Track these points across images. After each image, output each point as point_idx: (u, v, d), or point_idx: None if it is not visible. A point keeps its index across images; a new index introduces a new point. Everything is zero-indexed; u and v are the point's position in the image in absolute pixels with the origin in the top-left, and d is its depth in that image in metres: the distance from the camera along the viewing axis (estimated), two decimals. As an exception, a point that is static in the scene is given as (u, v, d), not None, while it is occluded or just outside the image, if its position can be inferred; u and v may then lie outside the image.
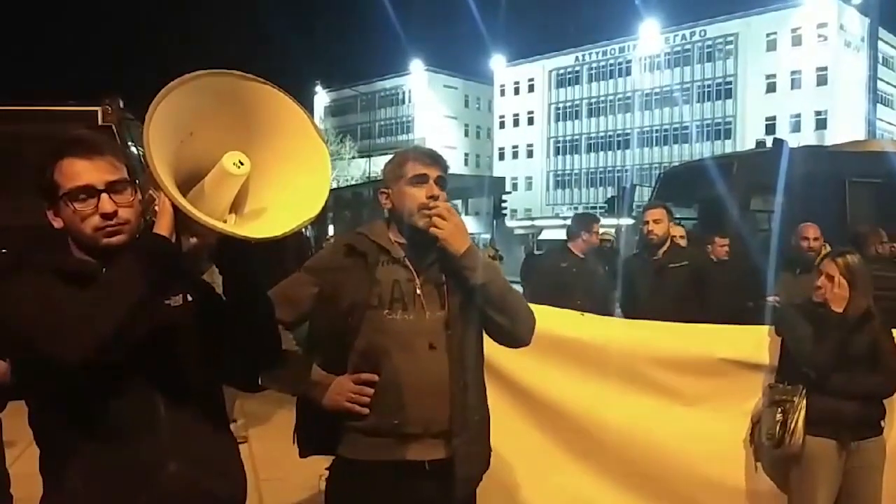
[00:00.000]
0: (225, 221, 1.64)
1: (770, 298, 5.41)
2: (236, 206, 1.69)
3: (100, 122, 7.44)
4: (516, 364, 3.36)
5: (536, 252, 23.71)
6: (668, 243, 5.27)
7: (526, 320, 2.39)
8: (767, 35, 54.05)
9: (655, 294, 5.06)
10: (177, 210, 1.53)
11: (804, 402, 3.31)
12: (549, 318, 3.38)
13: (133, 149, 6.95)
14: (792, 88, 52.94)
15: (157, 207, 1.61)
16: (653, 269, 5.23)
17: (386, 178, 2.42)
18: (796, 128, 50.19)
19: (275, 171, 1.69)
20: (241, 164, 1.61)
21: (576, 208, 47.02)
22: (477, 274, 2.27)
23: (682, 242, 5.76)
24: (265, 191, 1.69)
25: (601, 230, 7.01)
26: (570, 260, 5.82)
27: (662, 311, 4.29)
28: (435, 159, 2.36)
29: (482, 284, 2.28)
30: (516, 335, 2.40)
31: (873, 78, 24.88)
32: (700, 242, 6.68)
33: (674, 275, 5.12)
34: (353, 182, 42.53)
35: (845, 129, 41.49)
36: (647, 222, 5.27)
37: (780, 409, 3.33)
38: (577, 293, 5.15)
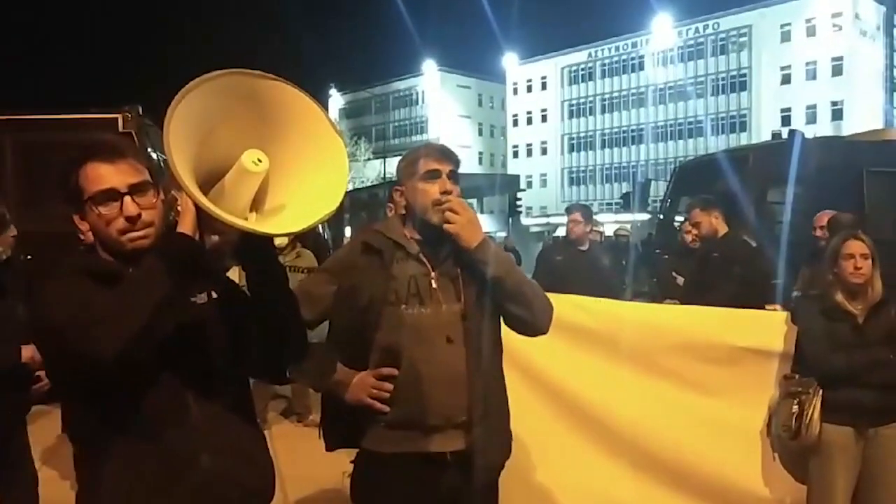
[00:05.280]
0: (245, 219, 1.66)
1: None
2: (256, 204, 1.71)
3: (120, 128, 7.63)
4: (533, 352, 3.37)
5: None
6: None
7: (543, 310, 2.42)
8: (781, 26, 53.57)
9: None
10: (199, 209, 1.56)
11: (820, 393, 3.30)
12: (563, 305, 3.40)
13: (153, 154, 7.09)
14: (807, 79, 52.41)
15: (179, 208, 1.63)
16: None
17: (399, 176, 2.46)
18: (812, 119, 49.72)
19: (293, 168, 1.71)
20: (260, 161, 1.63)
21: (591, 204, 46.80)
22: (491, 267, 2.30)
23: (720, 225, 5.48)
24: (284, 187, 1.71)
25: (619, 225, 6.94)
26: (566, 252, 5.72)
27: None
28: (446, 154, 2.40)
29: (497, 277, 2.30)
30: (534, 325, 2.43)
31: (889, 67, 24.59)
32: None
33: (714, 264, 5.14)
34: (369, 183, 42.58)
35: (862, 119, 41.17)
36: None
37: (795, 401, 3.32)
38: (574, 285, 4.98)
